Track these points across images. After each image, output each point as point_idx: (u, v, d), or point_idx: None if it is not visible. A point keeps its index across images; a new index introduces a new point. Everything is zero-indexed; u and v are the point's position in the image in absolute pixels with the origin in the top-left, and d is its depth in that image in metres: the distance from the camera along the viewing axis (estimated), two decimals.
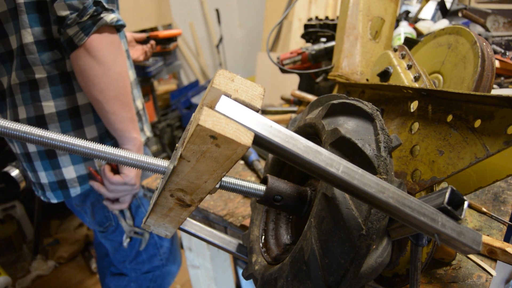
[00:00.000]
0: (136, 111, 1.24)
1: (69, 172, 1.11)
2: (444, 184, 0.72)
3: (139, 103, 1.28)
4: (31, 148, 1.07)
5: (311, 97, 1.24)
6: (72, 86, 1.04)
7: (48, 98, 1.02)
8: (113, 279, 1.43)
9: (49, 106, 1.03)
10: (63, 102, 1.04)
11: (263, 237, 0.68)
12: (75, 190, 1.14)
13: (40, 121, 1.03)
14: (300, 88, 1.39)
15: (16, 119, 1.03)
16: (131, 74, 1.23)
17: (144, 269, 1.38)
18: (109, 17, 0.92)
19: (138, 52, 1.53)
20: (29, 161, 1.10)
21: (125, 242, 1.25)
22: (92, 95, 0.98)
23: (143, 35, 1.57)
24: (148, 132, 1.33)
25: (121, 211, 1.22)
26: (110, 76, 0.96)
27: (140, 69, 2.59)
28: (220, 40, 4.15)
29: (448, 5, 1.60)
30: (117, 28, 0.98)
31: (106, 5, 0.92)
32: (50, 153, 1.08)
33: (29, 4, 0.92)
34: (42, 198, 1.16)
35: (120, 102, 1.00)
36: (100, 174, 1.13)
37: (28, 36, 0.95)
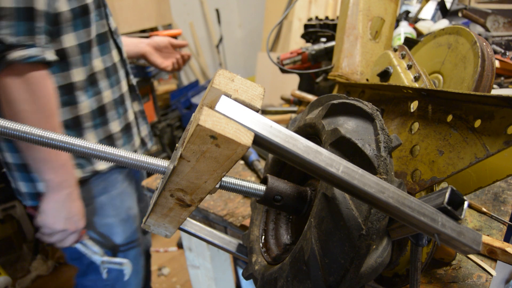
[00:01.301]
0: (125, 123, 1.21)
1: (43, 186, 1.10)
2: (444, 184, 0.71)
3: (131, 114, 1.23)
4: (9, 159, 1.07)
5: (311, 97, 1.24)
6: None
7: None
8: None
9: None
10: None
11: (263, 237, 0.68)
12: None
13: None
14: (300, 88, 1.39)
15: None
16: (124, 85, 1.18)
17: None
18: (17, 54, 0.85)
19: (167, 62, 1.42)
20: (9, 170, 1.10)
21: (103, 273, 1.14)
22: None
23: (183, 42, 1.46)
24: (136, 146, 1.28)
25: (82, 244, 1.10)
26: (17, 114, 0.90)
27: (140, 69, 2.58)
28: (220, 40, 4.15)
29: (448, 5, 1.60)
30: (47, 62, 0.90)
31: (16, 41, 0.84)
32: (25, 167, 1.07)
33: None
34: (22, 202, 1.13)
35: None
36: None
37: None
